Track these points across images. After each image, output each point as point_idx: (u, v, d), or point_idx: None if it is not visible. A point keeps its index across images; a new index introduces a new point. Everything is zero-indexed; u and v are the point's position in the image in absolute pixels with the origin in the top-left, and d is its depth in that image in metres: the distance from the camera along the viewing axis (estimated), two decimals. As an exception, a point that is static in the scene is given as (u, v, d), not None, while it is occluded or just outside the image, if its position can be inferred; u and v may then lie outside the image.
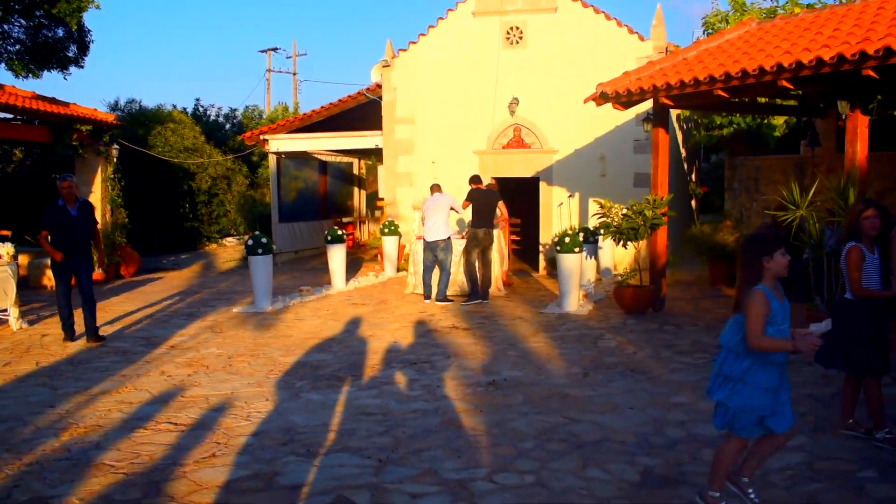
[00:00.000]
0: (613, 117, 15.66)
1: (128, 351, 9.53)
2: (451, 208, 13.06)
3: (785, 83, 9.25)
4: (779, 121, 16.10)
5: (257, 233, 12.82)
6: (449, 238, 13.03)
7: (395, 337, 10.08)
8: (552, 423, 6.44)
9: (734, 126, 16.71)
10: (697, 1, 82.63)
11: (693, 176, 20.16)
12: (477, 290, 12.89)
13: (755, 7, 18.91)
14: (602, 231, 11.85)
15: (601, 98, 11.54)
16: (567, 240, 11.97)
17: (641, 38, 15.96)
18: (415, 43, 17.46)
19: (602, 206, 11.84)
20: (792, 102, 14.02)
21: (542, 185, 16.72)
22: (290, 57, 43.28)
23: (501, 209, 13.33)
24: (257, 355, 9.13)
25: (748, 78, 9.47)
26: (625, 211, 11.67)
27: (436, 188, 13.50)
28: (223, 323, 11.39)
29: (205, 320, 11.63)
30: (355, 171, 24.06)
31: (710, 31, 19.58)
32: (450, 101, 17.19)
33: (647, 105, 12.60)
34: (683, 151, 18.37)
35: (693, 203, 20.12)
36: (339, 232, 14.81)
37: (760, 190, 14.70)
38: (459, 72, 17.09)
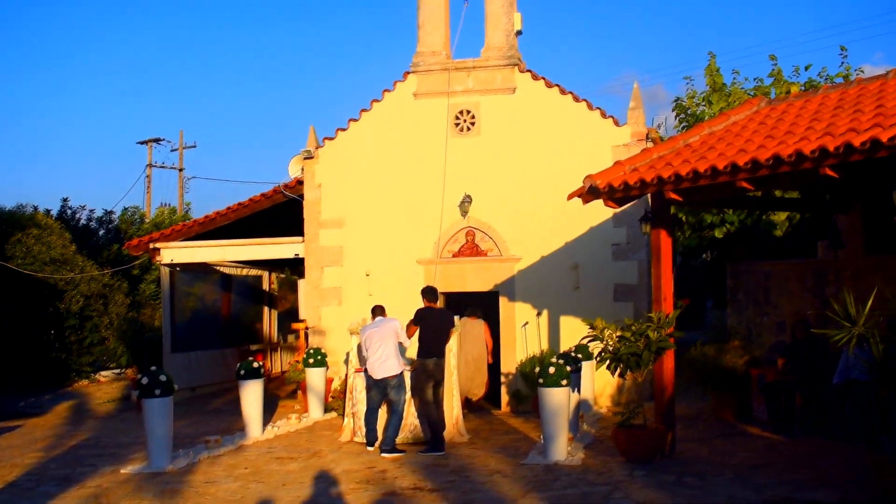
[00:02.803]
0: (587, 217, 15.16)
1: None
2: (398, 336, 12.40)
3: (829, 171, 8.77)
4: (780, 217, 15.86)
5: (154, 368, 11.68)
6: (402, 373, 12.30)
7: (344, 505, 8.98)
8: None
9: (727, 225, 16.40)
10: (659, 81, 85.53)
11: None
12: (439, 436, 11.97)
13: (737, 88, 19.05)
14: (598, 358, 11.11)
15: (589, 193, 11.00)
16: (551, 370, 11.17)
17: (617, 123, 15.68)
18: (344, 130, 16.86)
19: (594, 328, 11.18)
20: (794, 195, 13.80)
21: (503, 301, 16.05)
22: (175, 149, 42.40)
23: (487, 340, 13.89)
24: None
25: (781, 166, 9.02)
26: (621, 332, 11.02)
27: (378, 311, 12.95)
28: (112, 490, 10.11)
29: (85, 486, 10.37)
30: (265, 286, 23.06)
31: (684, 114, 19.64)
32: (388, 200, 16.53)
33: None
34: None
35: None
36: (255, 364, 13.76)
37: (772, 301, 14.26)
38: (399, 164, 16.50)
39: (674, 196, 10.45)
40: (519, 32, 16.35)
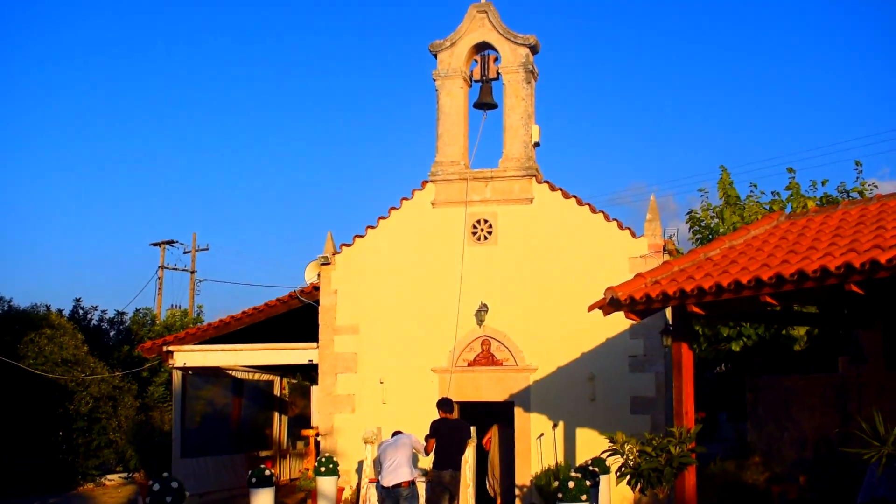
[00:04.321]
0: (603, 328, 15.03)
1: None
2: (414, 449, 12.26)
3: (854, 287, 8.72)
4: (800, 331, 15.74)
5: (165, 474, 11.48)
6: (414, 482, 12.12)
7: None
8: None
9: (745, 339, 16.27)
10: (669, 191, 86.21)
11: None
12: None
13: (753, 201, 19.16)
14: (618, 473, 10.88)
15: (611, 305, 10.93)
16: (571, 484, 10.95)
17: (633, 235, 15.69)
18: (361, 237, 16.91)
19: (614, 441, 10.97)
20: (812, 310, 13.71)
21: (518, 412, 15.84)
22: (188, 252, 42.49)
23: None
24: None
25: (806, 282, 8.98)
26: (641, 447, 10.81)
27: (397, 432, 12.93)
28: None
29: None
30: (276, 391, 22.82)
31: (698, 226, 19.71)
32: (404, 308, 16.48)
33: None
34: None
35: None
36: (267, 472, 13.54)
37: (793, 417, 14.05)
38: (416, 272, 16.49)
39: (696, 310, 10.37)
40: (537, 144, 16.52)
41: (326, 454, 16.04)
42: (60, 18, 69.81)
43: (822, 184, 18.93)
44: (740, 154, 70.72)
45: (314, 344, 17.06)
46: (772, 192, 19.43)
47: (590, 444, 14.74)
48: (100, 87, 72.33)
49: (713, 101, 75.29)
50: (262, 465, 14.65)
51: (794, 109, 72.62)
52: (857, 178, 19.15)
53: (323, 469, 15.26)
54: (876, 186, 19.34)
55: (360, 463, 15.82)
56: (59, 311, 27.95)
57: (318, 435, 17.17)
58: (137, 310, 36.38)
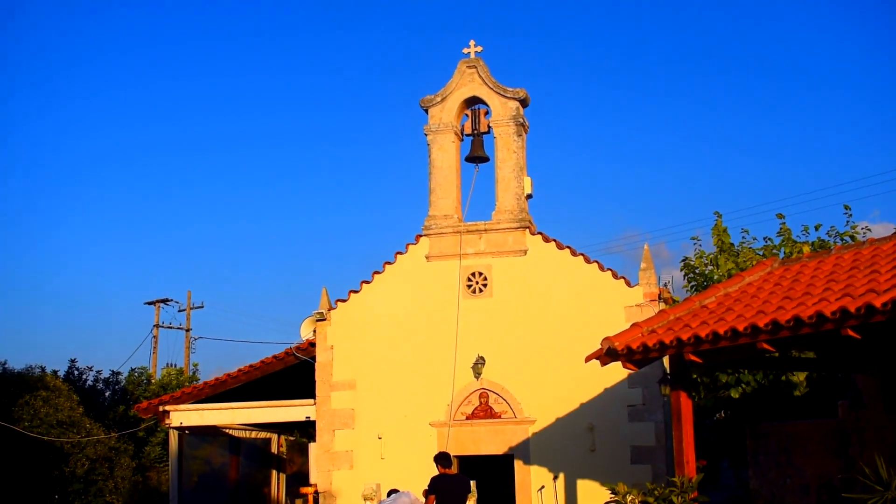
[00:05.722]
0: (601, 378, 14.98)
1: None
2: None
3: (850, 332, 8.73)
4: (800, 377, 15.68)
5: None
6: None
7: None
8: None
9: (743, 385, 16.19)
10: (662, 239, 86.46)
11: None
12: None
13: (746, 248, 19.18)
14: (620, 526, 10.77)
15: (608, 356, 10.94)
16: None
17: (628, 284, 15.72)
18: (356, 292, 16.90)
19: (615, 492, 10.90)
20: (810, 354, 13.69)
21: (518, 465, 15.76)
22: (182, 310, 42.34)
23: None
24: None
25: (803, 327, 9.00)
26: (643, 497, 10.73)
27: (393, 490, 13.07)
28: None
29: None
30: (274, 448, 22.65)
31: (692, 273, 19.68)
32: (400, 362, 16.43)
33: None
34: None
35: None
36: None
37: (795, 463, 13.95)
38: (412, 326, 16.47)
39: (693, 358, 10.37)
40: (529, 196, 16.62)
41: (325, 512, 15.91)
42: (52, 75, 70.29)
43: (816, 228, 18.97)
44: (730, 201, 71.16)
45: (311, 400, 16.97)
46: (764, 238, 19.45)
47: (591, 495, 14.65)
48: (91, 143, 72.67)
49: (703, 150, 75.83)
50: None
51: (782, 155, 73.19)
52: (847, 221, 19.22)
53: (322, 527, 15.12)
54: (869, 230, 19.39)
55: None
56: (54, 372, 27.79)
57: (316, 492, 17.01)
58: (133, 369, 36.16)
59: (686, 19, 71.83)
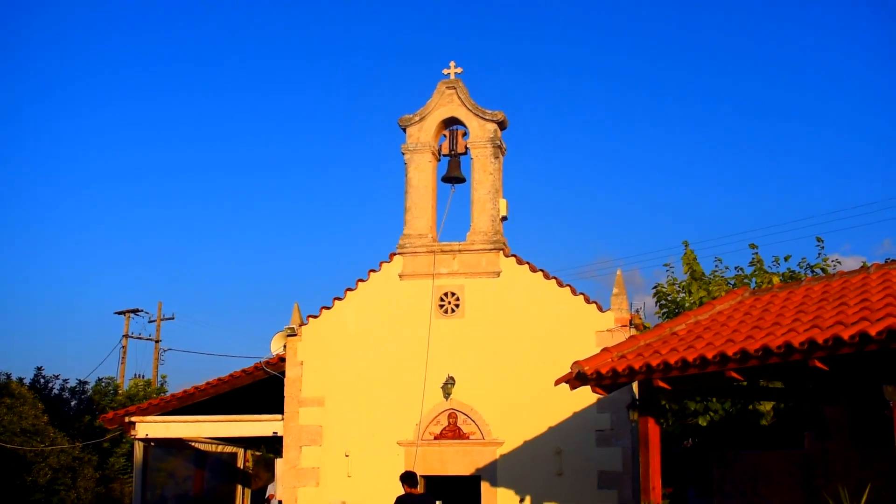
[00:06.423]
0: (570, 402, 14.99)
1: None
2: None
3: (818, 363, 8.79)
4: (766, 406, 15.78)
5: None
6: None
7: None
8: None
9: (711, 413, 16.27)
10: (635, 265, 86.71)
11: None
12: None
13: (718, 276, 19.31)
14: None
15: (577, 380, 10.97)
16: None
17: (600, 309, 15.75)
18: (328, 308, 16.84)
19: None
20: (778, 385, 13.78)
21: (484, 486, 15.69)
22: (152, 321, 42.07)
23: None
24: None
25: (771, 357, 9.06)
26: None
27: None
28: None
29: None
30: (239, 463, 22.50)
31: (664, 300, 19.80)
32: (370, 380, 16.36)
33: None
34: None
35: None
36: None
37: (760, 493, 14.01)
38: (383, 344, 16.42)
39: (662, 384, 10.41)
40: (504, 218, 16.64)
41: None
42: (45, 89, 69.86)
43: (786, 259, 19.18)
44: (704, 229, 71.48)
45: (279, 416, 16.87)
46: (735, 268, 19.63)
47: (557, 519, 14.63)
48: (63, 151, 72.15)
49: (678, 178, 76.27)
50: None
51: (754, 186, 73.73)
52: (819, 254, 19.42)
53: (286, 544, 15.01)
54: (839, 263, 19.60)
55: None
56: (20, 379, 27.50)
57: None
58: (100, 379, 35.77)
59: (662, 49, 72.35)
